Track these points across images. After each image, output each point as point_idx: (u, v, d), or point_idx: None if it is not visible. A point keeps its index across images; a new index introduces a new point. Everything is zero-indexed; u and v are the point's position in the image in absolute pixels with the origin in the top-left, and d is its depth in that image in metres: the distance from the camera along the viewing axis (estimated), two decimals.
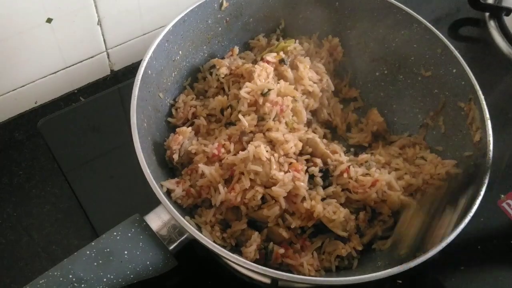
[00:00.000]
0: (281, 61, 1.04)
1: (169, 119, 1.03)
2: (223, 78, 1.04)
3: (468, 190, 0.87)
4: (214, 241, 0.80)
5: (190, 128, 0.98)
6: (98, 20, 1.14)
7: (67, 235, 1.02)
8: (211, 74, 1.07)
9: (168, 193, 0.88)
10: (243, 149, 0.92)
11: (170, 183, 0.88)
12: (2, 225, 1.02)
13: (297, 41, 1.11)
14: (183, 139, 0.95)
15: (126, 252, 0.77)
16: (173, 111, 1.04)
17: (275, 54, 1.05)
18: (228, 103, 1.01)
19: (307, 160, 0.93)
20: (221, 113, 1.02)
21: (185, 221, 0.78)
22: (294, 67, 1.05)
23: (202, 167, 0.90)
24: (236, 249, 0.90)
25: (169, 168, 0.98)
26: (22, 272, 0.97)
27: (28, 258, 0.99)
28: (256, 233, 0.89)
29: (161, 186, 0.86)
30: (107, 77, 1.28)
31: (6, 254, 0.99)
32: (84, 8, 1.10)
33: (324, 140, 1.01)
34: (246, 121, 0.94)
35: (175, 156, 0.94)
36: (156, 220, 0.81)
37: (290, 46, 1.09)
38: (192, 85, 1.09)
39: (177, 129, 0.98)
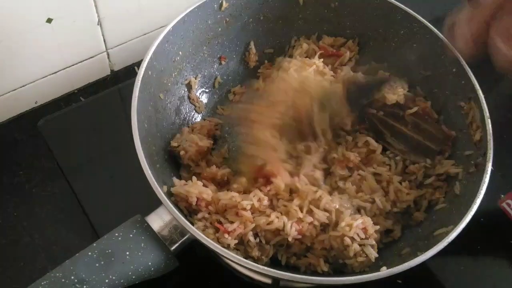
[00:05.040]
0: None
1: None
2: None
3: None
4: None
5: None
6: (98, 20, 1.14)
7: (68, 235, 1.02)
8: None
9: (170, 193, 0.88)
10: None
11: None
12: (2, 225, 1.02)
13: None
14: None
15: (127, 253, 0.77)
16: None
17: None
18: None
19: None
20: None
21: (186, 222, 0.77)
22: None
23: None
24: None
25: (171, 166, 0.98)
26: (23, 272, 0.97)
27: (28, 258, 0.99)
28: None
29: (162, 186, 0.86)
30: (107, 77, 1.28)
31: (6, 254, 0.99)
32: (84, 8, 1.10)
33: None
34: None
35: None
36: (158, 220, 0.81)
37: None
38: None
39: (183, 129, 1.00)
